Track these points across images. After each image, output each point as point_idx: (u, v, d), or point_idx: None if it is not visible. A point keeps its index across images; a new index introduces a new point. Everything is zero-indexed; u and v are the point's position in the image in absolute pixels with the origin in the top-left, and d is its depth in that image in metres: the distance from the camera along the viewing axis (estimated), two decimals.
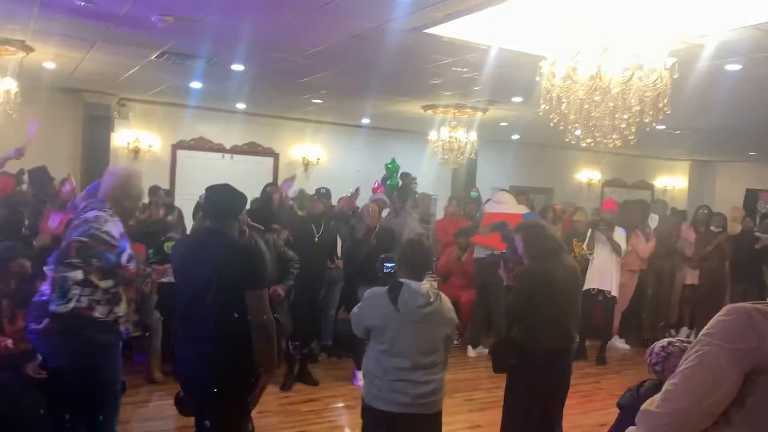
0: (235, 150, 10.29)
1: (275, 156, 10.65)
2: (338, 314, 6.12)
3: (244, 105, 9.38)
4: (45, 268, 2.91)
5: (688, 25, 4.18)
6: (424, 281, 2.88)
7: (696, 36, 4.38)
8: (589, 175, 13.55)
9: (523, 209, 6.80)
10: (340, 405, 4.98)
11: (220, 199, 2.88)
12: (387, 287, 2.90)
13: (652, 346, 2.82)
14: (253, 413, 2.96)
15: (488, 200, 7.68)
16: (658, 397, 1.45)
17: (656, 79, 3.68)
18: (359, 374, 5.59)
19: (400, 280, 2.88)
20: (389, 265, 3.27)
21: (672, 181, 14.68)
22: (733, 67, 5.17)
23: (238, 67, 6.40)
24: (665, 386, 1.45)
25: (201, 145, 10.06)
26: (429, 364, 2.85)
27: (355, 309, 3.01)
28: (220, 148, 10.18)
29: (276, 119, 10.36)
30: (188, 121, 9.75)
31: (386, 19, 4.43)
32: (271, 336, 2.74)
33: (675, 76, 3.77)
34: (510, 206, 6.80)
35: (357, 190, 6.51)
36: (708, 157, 13.98)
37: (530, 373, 3.34)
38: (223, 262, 2.69)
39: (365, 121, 10.31)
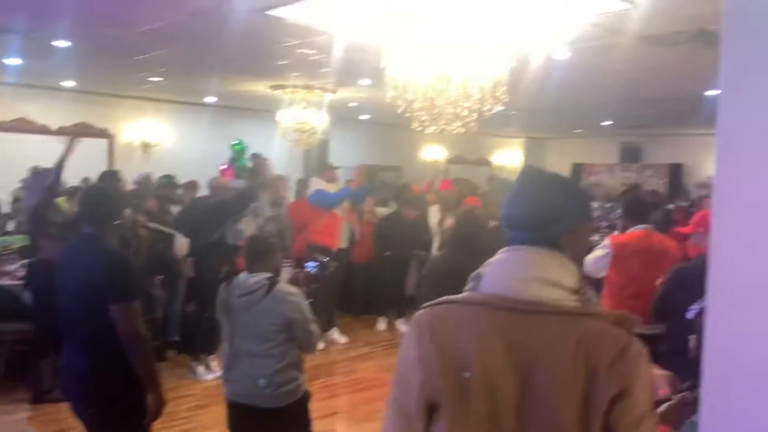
0: (63, 131, 9.29)
1: (110, 137, 9.85)
2: (186, 307, 5.84)
3: (73, 82, 8.55)
4: None
5: (524, 19, 4.39)
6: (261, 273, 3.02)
7: (531, 28, 4.62)
8: (434, 152, 14.04)
9: (330, 187, 6.81)
10: (189, 405, 4.77)
11: (93, 202, 2.72)
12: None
13: None
14: None
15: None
16: None
17: (493, 72, 3.85)
18: (199, 368, 5.39)
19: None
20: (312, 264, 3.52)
21: (508, 157, 15.64)
22: (562, 55, 5.55)
23: (62, 43, 5.78)
24: None
25: (21, 126, 9.00)
26: (260, 352, 2.91)
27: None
28: (44, 130, 9.21)
29: (110, 97, 9.55)
30: (5, 100, 8.70)
31: None
32: (142, 351, 2.52)
33: (512, 66, 3.97)
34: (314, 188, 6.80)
35: None
36: (540, 134, 15.06)
37: None
38: (87, 273, 2.53)
39: (210, 99, 9.85)
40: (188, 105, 10.28)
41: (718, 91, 1.17)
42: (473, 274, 1.36)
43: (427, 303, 1.38)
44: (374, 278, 7.46)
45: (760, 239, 1.19)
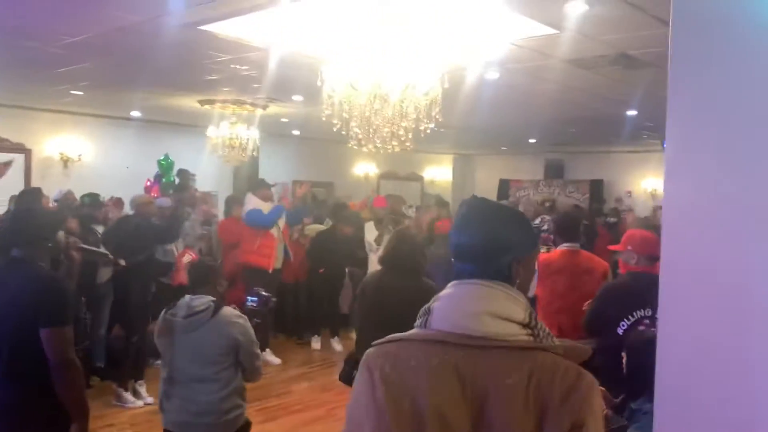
0: None
1: (27, 152, 9.35)
2: (111, 332, 5.59)
3: None
4: None
5: (456, 40, 4.48)
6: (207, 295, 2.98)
7: (463, 49, 4.72)
8: (366, 168, 14.08)
9: (265, 205, 6.67)
10: None
11: (22, 223, 2.61)
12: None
13: None
14: None
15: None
16: None
17: (428, 90, 3.90)
18: (126, 395, 5.14)
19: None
20: (252, 298, 3.48)
21: (439, 173, 15.89)
22: (492, 76, 5.70)
23: None
24: None
25: None
26: (204, 377, 2.84)
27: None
28: None
29: (27, 110, 9.08)
30: None
31: (156, 14, 4.09)
32: (73, 380, 2.41)
33: (445, 86, 4.04)
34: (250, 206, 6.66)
35: None
36: (469, 151, 15.40)
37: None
38: (18, 296, 2.41)
39: (135, 113, 9.53)
40: (111, 119, 9.91)
41: (635, 112, 1.23)
42: (423, 308, 1.34)
43: (376, 341, 1.35)
44: (308, 296, 7.39)
45: (705, 248, 1.24)
